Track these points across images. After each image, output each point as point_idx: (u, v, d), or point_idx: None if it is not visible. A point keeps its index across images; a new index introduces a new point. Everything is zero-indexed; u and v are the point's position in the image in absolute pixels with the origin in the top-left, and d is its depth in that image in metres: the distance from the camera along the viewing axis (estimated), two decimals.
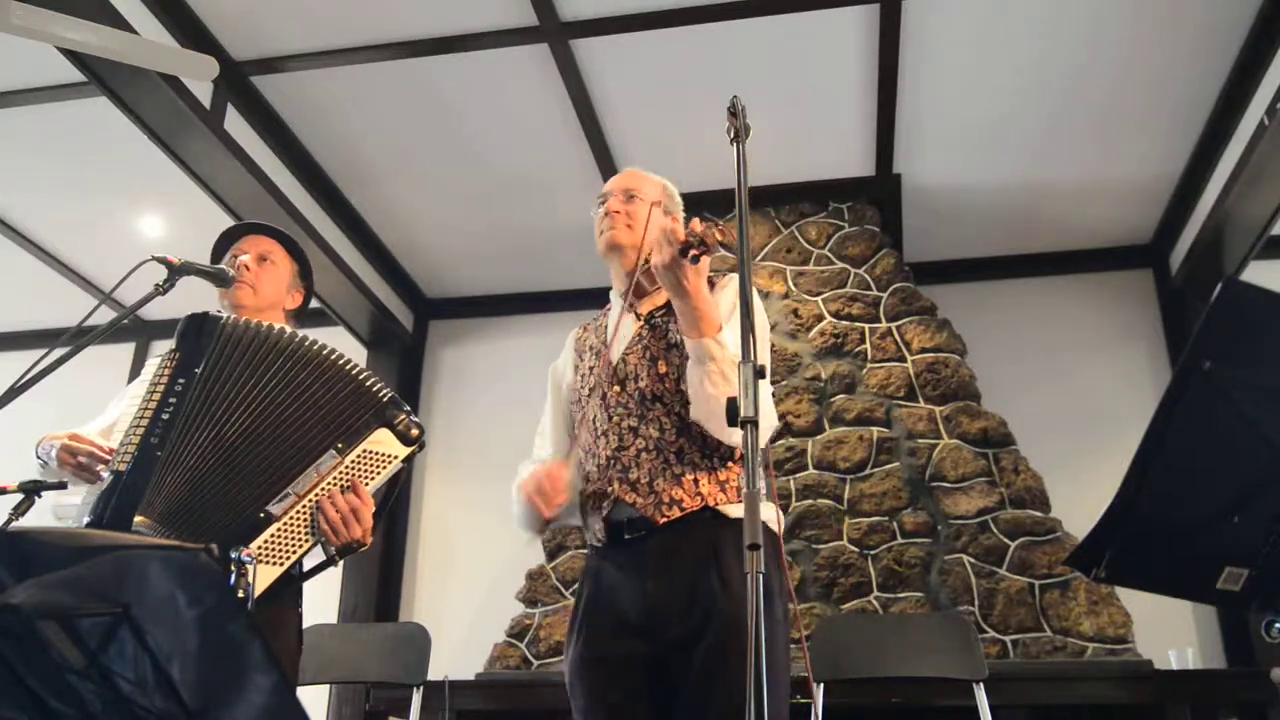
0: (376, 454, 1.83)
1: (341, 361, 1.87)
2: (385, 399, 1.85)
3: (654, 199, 2.03)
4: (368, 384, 1.86)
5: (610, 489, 1.83)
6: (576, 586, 1.93)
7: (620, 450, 1.84)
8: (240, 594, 1.63)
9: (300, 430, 1.80)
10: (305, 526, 1.76)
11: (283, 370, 1.83)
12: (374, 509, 1.83)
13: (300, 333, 1.94)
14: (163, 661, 0.99)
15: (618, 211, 2.00)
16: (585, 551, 4.30)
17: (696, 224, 1.66)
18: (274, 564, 1.72)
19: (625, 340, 1.94)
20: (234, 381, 1.82)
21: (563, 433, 2.05)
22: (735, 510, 1.77)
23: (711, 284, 1.92)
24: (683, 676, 1.70)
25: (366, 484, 1.81)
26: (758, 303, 1.88)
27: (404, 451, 1.85)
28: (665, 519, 1.76)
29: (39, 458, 2.00)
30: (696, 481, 1.78)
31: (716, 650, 1.66)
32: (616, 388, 1.89)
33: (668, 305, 1.88)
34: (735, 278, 1.93)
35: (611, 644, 1.77)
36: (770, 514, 1.85)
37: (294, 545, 1.75)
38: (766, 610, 1.69)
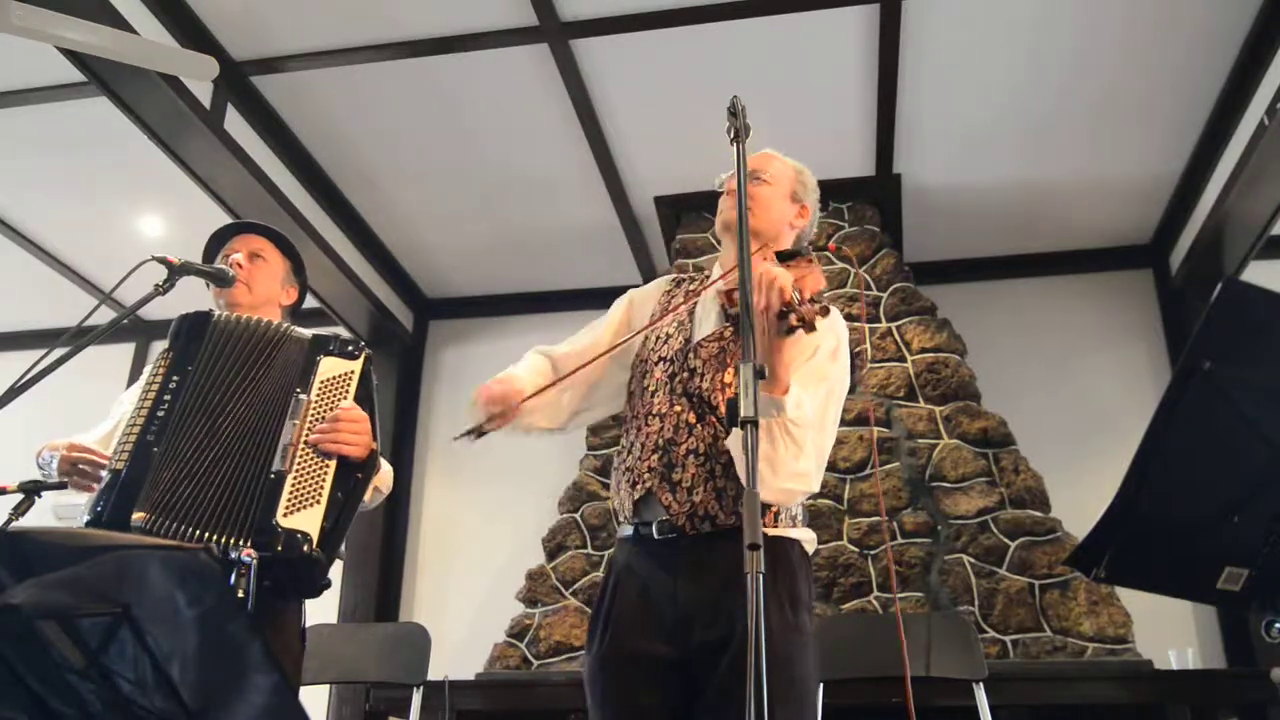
0: (334, 378, 1.94)
1: (283, 327, 1.99)
2: (315, 337, 1.99)
3: (780, 182, 1.95)
4: (296, 335, 1.99)
5: (647, 478, 1.78)
6: (603, 577, 1.88)
7: (671, 444, 1.77)
8: (240, 594, 1.64)
9: (270, 398, 1.89)
10: (315, 461, 1.83)
11: (268, 358, 1.92)
12: (366, 417, 1.92)
13: (285, 324, 2.01)
14: (163, 661, 0.99)
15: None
16: (586, 552, 4.32)
17: (809, 289, 1.52)
18: (313, 504, 1.79)
19: (706, 329, 1.87)
20: (226, 375, 1.88)
21: (602, 346, 1.94)
22: (772, 531, 1.73)
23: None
24: (705, 684, 1.68)
25: (342, 402, 1.92)
26: (841, 352, 1.80)
27: (355, 365, 1.97)
28: (695, 531, 1.73)
29: (40, 467, 2.01)
30: (736, 500, 1.71)
31: (740, 661, 1.64)
32: (685, 374, 1.82)
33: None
34: (836, 318, 1.79)
35: (638, 644, 1.74)
36: (806, 535, 1.82)
37: (318, 480, 1.82)
38: (795, 622, 1.69)
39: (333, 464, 1.84)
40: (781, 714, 1.61)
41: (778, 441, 1.62)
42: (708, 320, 1.88)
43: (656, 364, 1.88)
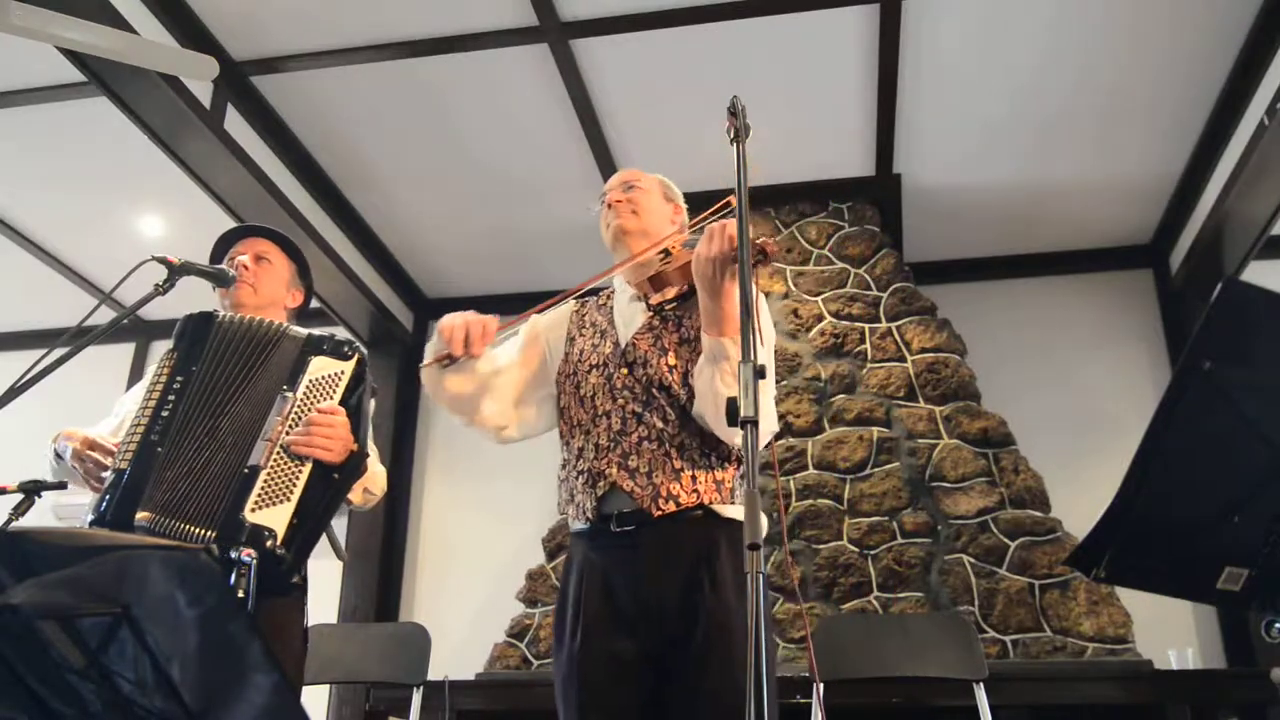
0: (323, 378, 1.92)
1: (280, 326, 1.97)
2: (309, 336, 1.96)
3: (653, 189, 2.06)
4: (291, 334, 1.96)
5: (608, 472, 1.82)
6: (563, 574, 1.90)
7: (622, 435, 1.83)
8: (240, 594, 1.64)
9: (262, 396, 1.88)
10: (290, 460, 1.82)
11: (266, 357, 1.91)
12: (346, 417, 1.89)
13: (283, 323, 2.00)
14: (163, 662, 0.99)
15: (620, 200, 2.02)
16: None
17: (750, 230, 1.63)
18: (283, 501, 1.78)
19: (635, 325, 1.94)
20: (228, 375, 1.87)
21: (515, 366, 2.05)
22: (730, 510, 1.78)
23: None
24: (675, 674, 1.70)
25: (326, 402, 1.90)
26: (764, 307, 1.87)
27: (348, 365, 1.95)
28: (661, 513, 1.76)
29: (56, 453, 2.02)
30: (695, 479, 1.78)
31: (705, 649, 1.67)
32: (624, 370, 1.88)
33: (679, 298, 1.87)
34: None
35: (608, 642, 1.76)
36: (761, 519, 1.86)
37: (290, 479, 1.81)
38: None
39: (309, 462, 1.83)
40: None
41: None
42: (634, 319, 1.95)
43: (589, 372, 1.94)
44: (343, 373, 1.93)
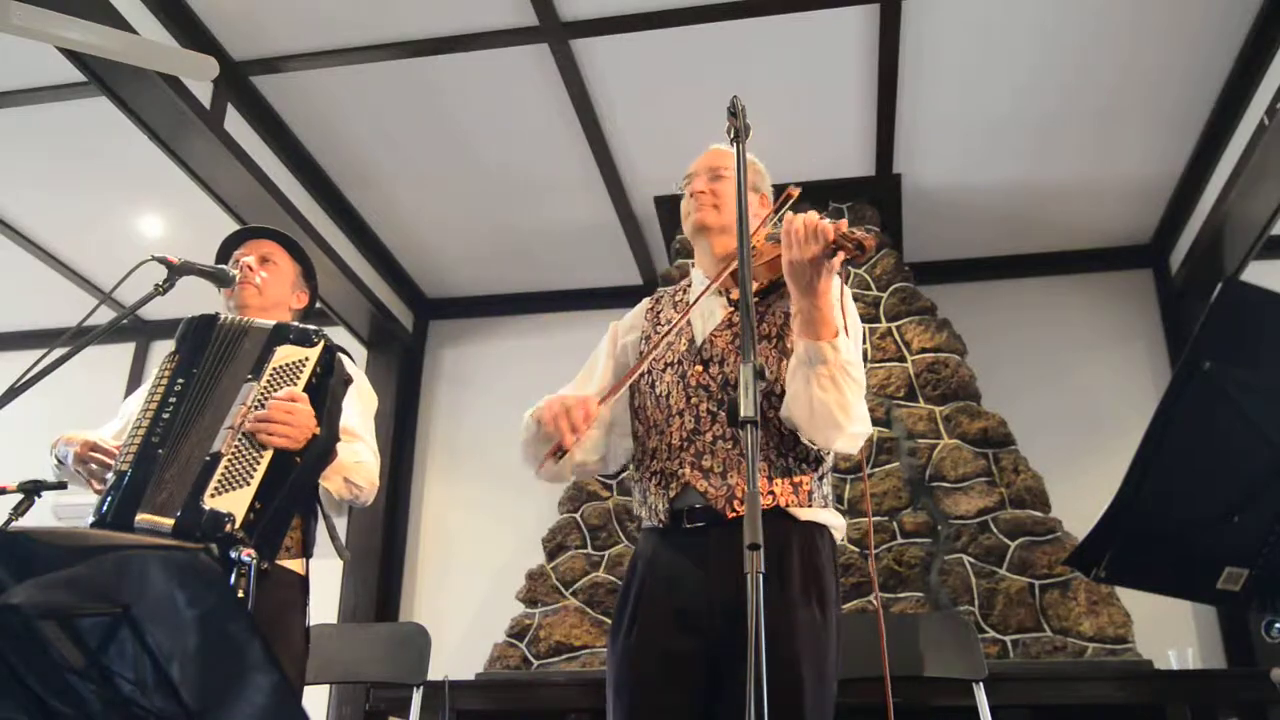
0: (288, 365, 1.90)
1: (257, 322, 1.96)
2: (276, 326, 1.95)
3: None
4: (258, 325, 1.95)
5: (681, 471, 1.78)
6: (627, 569, 1.86)
7: (695, 434, 1.79)
8: (240, 594, 1.64)
9: (230, 386, 1.87)
10: (251, 446, 1.81)
11: (243, 352, 1.91)
12: (308, 403, 1.86)
13: (259, 320, 1.99)
14: (163, 661, 0.99)
15: (703, 191, 1.95)
16: (586, 552, 4.31)
17: (844, 224, 1.61)
18: (242, 487, 1.77)
19: (713, 322, 1.89)
20: (226, 377, 1.86)
21: (609, 383, 1.97)
22: (806, 514, 1.74)
23: None
24: (733, 674, 1.66)
25: (285, 389, 1.87)
26: (850, 303, 1.84)
27: (312, 352, 1.92)
28: (735, 514, 1.71)
29: (57, 457, 2.02)
30: (771, 480, 1.73)
31: (769, 652, 1.65)
32: (699, 368, 1.84)
33: (761, 293, 1.81)
34: (836, 279, 1.84)
35: (668, 638, 1.72)
36: (838, 521, 1.82)
37: (249, 465, 1.80)
38: (823, 620, 1.69)
39: (269, 448, 1.82)
40: (813, 716, 1.62)
41: (843, 385, 1.64)
42: (713, 315, 1.90)
43: (664, 371, 1.89)
44: (306, 359, 1.91)
